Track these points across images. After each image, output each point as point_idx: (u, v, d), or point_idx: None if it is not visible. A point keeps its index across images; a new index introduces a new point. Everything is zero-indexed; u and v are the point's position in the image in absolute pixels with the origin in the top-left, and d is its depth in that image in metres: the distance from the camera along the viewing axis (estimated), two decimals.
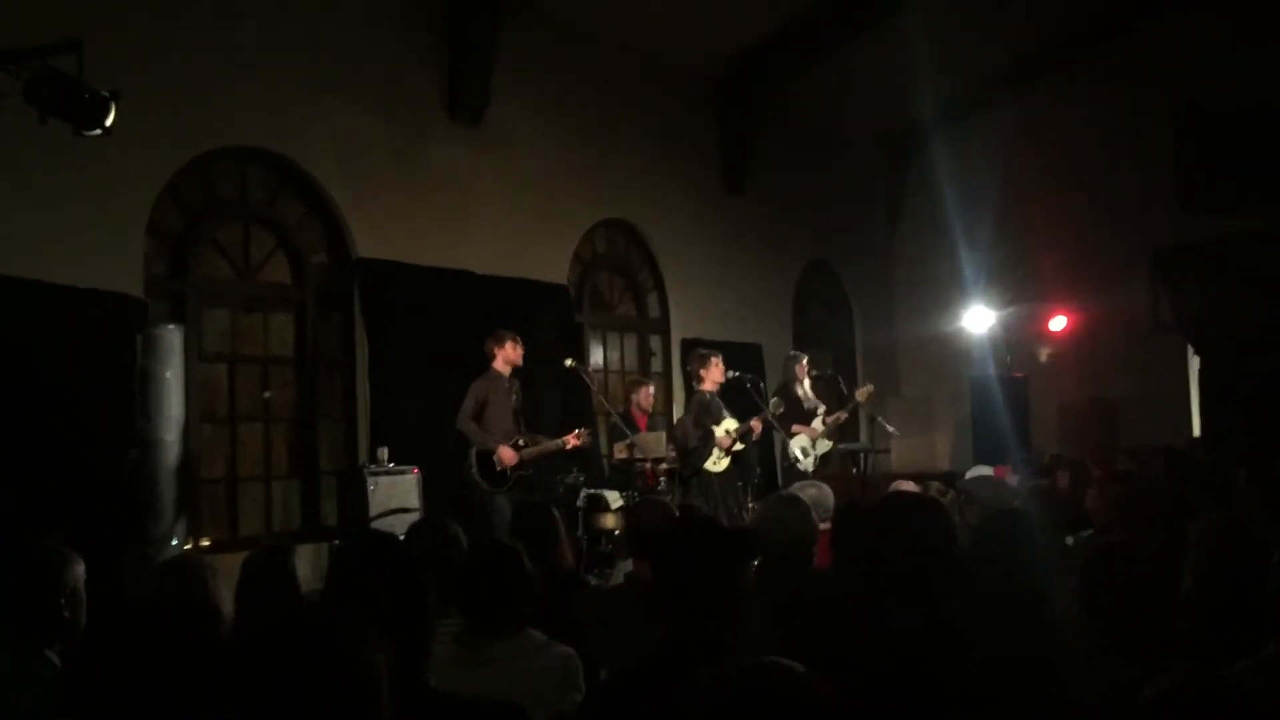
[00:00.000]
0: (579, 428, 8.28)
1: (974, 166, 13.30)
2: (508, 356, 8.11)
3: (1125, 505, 5.42)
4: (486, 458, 7.90)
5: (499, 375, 8.08)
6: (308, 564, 7.50)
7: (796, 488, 5.41)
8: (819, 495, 5.24)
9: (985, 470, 7.85)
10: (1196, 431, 12.69)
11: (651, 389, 9.84)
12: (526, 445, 8.03)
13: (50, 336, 6.57)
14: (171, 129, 7.41)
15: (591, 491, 8.82)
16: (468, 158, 9.45)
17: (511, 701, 2.45)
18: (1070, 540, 5.37)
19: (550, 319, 9.90)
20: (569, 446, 8.13)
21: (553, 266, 10.21)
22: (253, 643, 1.69)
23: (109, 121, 5.54)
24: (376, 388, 8.55)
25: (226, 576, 3.67)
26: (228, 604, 3.49)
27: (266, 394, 8.39)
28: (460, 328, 8.64)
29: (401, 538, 3.78)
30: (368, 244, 8.64)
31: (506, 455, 7.90)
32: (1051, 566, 3.25)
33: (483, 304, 9.10)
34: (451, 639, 3.28)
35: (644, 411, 9.62)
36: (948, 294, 13.64)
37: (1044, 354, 13.94)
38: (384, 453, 8.03)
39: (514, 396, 8.12)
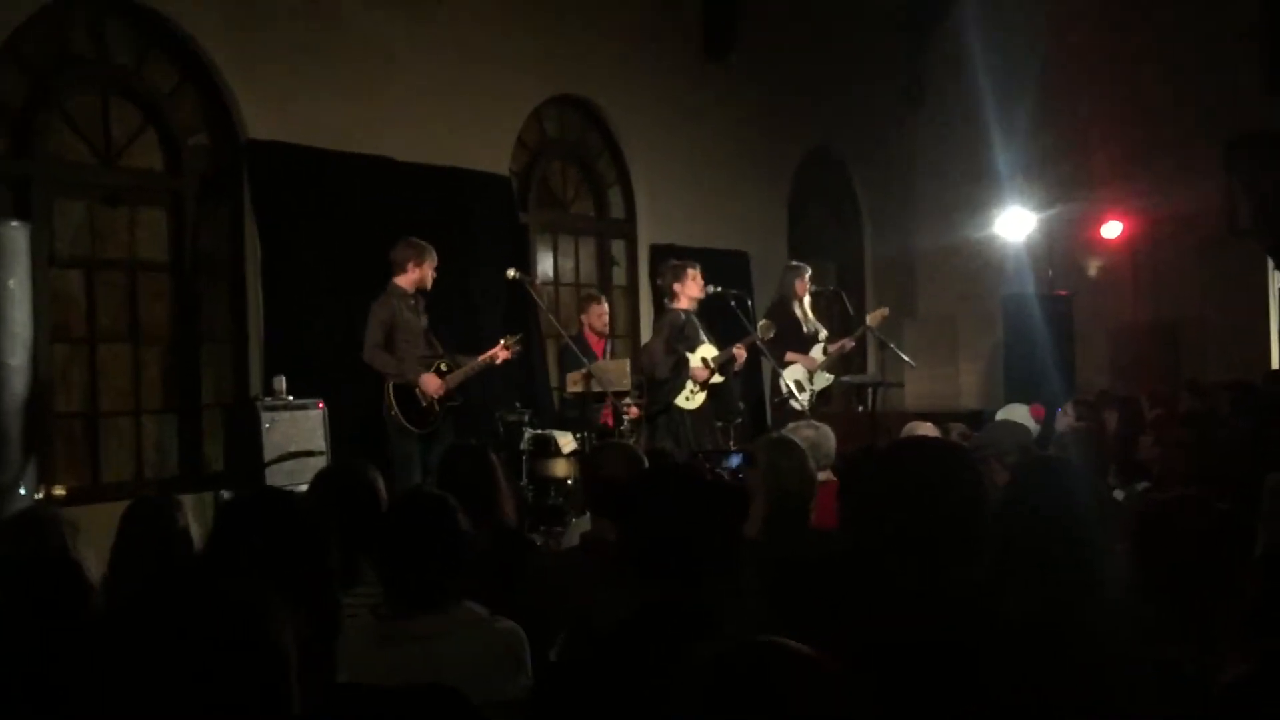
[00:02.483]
0: (504, 336, 8.28)
1: (1012, 35, 13.25)
2: (420, 276, 8.10)
3: (1188, 453, 5.52)
4: (407, 392, 7.91)
5: (403, 292, 8.07)
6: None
7: (789, 429, 5.45)
8: (816, 438, 5.28)
9: (1020, 410, 7.93)
10: (1276, 362, 12.84)
11: (605, 307, 9.78)
12: (451, 369, 8.05)
13: None
14: None
15: (538, 432, 8.85)
16: (389, 20, 9.30)
17: (441, 684, 2.47)
18: (1120, 495, 5.47)
19: (488, 218, 9.86)
20: (499, 360, 8.17)
21: (491, 154, 10.13)
22: (130, 613, 1.70)
23: None
24: (272, 302, 8.50)
25: (89, 533, 3.67)
26: (92, 567, 3.49)
27: None
28: (377, 227, 8.57)
29: (302, 489, 3.80)
30: (261, 123, 8.53)
31: (431, 385, 7.92)
32: (1097, 526, 3.31)
33: (405, 199, 9.04)
34: (368, 612, 3.31)
35: (599, 335, 9.59)
36: (978, 193, 13.66)
37: (1094, 267, 14.02)
38: (281, 382, 8.01)
39: (422, 316, 8.14)
